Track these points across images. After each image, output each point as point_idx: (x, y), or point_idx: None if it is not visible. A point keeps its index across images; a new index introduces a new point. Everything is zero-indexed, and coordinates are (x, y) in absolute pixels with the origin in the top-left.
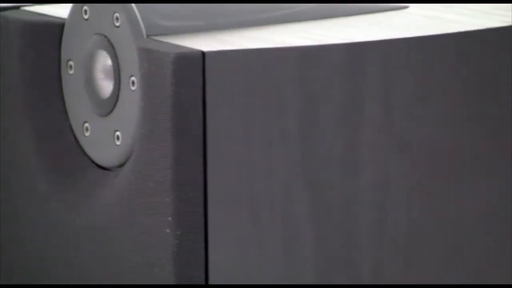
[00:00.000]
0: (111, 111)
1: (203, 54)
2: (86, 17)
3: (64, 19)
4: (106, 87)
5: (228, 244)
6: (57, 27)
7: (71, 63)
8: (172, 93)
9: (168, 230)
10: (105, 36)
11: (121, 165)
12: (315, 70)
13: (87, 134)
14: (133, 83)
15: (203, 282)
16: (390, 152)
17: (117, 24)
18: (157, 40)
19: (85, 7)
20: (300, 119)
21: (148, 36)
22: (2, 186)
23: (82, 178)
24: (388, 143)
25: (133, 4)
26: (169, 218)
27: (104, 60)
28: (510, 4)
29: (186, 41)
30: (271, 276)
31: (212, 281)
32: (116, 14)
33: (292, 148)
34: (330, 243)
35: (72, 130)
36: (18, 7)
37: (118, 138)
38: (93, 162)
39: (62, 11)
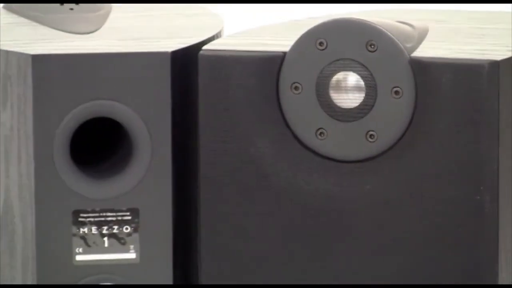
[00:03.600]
0: (363, 117)
1: (498, 63)
2: (321, 48)
3: (281, 52)
4: (352, 98)
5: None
6: (276, 58)
7: (297, 85)
8: (485, 97)
9: (478, 197)
10: (353, 60)
11: (375, 157)
12: None
13: (322, 138)
14: (396, 92)
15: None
16: None
17: (372, 49)
18: (430, 57)
19: (321, 40)
20: None
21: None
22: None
23: (326, 173)
24: None
25: (388, 33)
26: (481, 187)
27: (350, 78)
28: None
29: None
30: None
31: None
32: (372, 42)
33: None
34: None
35: (296, 137)
36: (199, 47)
37: (372, 136)
38: (330, 159)
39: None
